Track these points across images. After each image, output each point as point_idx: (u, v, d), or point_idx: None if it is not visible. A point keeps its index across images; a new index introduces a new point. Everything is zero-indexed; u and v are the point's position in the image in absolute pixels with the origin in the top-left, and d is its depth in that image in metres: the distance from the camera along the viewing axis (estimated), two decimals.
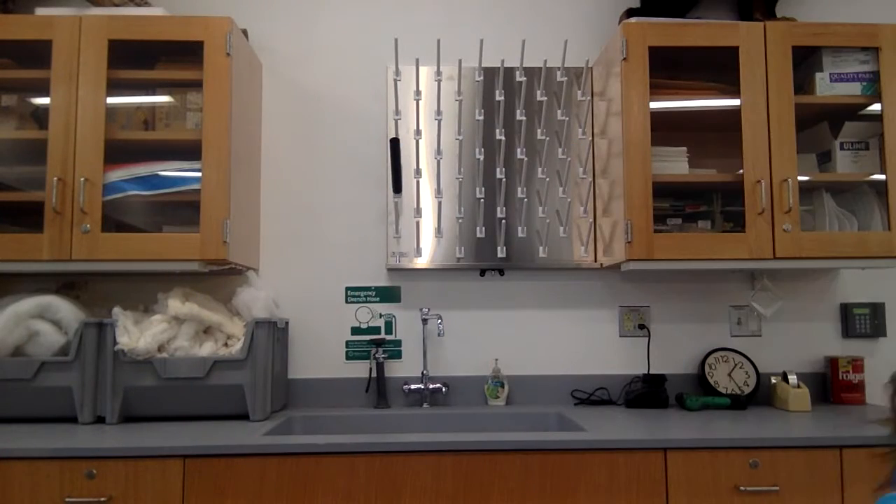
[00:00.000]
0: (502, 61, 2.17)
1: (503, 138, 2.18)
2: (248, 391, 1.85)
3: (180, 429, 1.73)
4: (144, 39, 1.89)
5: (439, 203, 2.14)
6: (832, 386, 2.16)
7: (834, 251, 1.89)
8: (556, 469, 1.57)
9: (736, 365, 2.14)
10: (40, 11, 1.93)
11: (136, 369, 1.82)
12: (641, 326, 2.22)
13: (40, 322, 1.83)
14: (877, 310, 2.24)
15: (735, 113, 1.93)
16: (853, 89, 1.97)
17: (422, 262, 2.15)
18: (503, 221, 2.17)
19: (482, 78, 2.20)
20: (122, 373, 1.81)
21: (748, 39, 1.92)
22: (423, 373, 2.13)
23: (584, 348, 2.22)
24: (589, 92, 2.22)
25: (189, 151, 1.91)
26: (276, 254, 2.21)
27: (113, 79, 1.89)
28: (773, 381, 2.11)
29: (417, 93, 2.19)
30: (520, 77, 2.21)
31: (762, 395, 2.17)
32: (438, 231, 2.15)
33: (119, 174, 1.89)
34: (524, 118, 2.19)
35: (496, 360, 2.18)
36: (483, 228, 2.16)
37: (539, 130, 2.20)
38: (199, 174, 1.88)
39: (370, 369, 2.17)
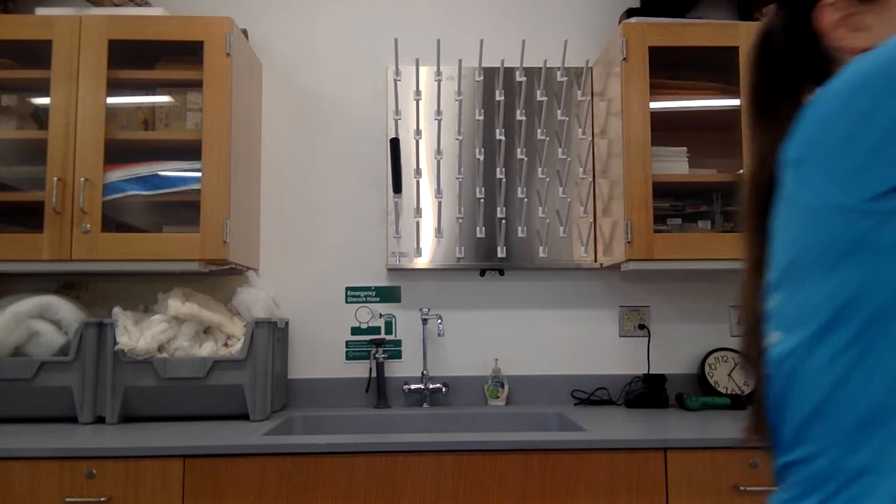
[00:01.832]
0: (502, 61, 2.17)
1: (503, 138, 2.19)
2: (248, 391, 1.85)
3: (180, 429, 1.73)
4: (144, 39, 1.89)
5: (439, 203, 2.14)
6: None
7: None
8: (556, 469, 1.57)
9: (736, 365, 2.14)
10: (40, 11, 1.93)
11: (136, 369, 1.82)
12: (641, 326, 2.22)
13: (40, 322, 1.83)
14: None
15: (735, 113, 1.93)
16: None
17: (422, 262, 2.15)
18: (503, 221, 2.17)
19: (482, 78, 2.21)
20: (122, 373, 1.81)
21: (748, 39, 1.92)
22: (423, 373, 2.13)
23: (584, 348, 2.22)
24: (589, 92, 2.22)
25: (189, 151, 1.91)
26: (276, 254, 2.21)
27: (113, 79, 1.89)
28: None
29: (417, 93, 2.19)
30: (520, 77, 2.21)
31: None
32: (438, 231, 2.15)
33: (119, 174, 1.89)
34: (524, 118, 2.19)
35: (496, 360, 2.18)
36: (483, 228, 2.16)
37: (539, 130, 2.20)
38: (199, 174, 1.88)
39: (370, 369, 2.17)
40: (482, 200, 2.17)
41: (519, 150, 2.18)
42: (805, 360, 0.59)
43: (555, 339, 2.22)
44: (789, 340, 0.60)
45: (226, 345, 1.92)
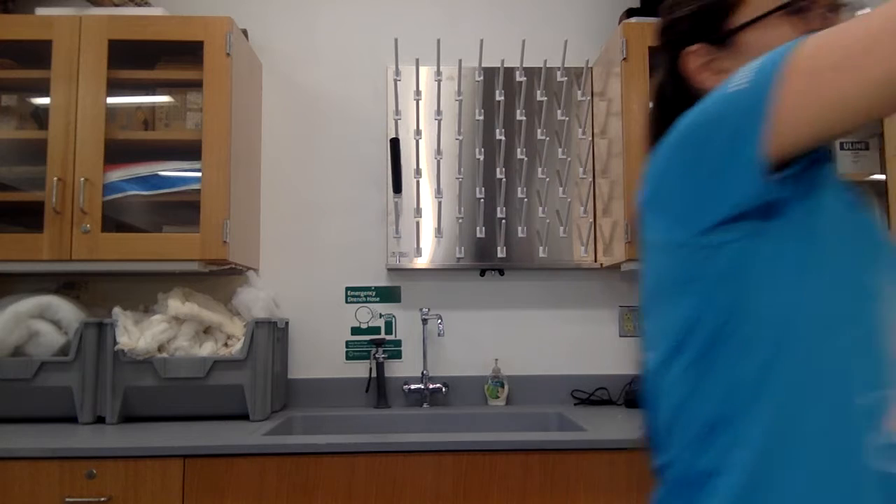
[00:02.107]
0: (502, 61, 2.17)
1: (503, 138, 2.18)
2: (248, 391, 1.85)
3: (180, 429, 1.73)
4: (144, 39, 1.89)
5: (439, 203, 2.14)
6: None
7: None
8: (556, 469, 1.57)
9: None
10: (40, 11, 1.93)
11: (136, 369, 1.81)
12: None
13: (40, 322, 1.83)
14: None
15: None
16: None
17: (422, 262, 2.15)
18: (503, 221, 2.17)
19: (482, 78, 2.20)
20: (122, 373, 1.81)
21: None
22: (423, 373, 2.13)
23: (584, 348, 2.22)
24: (589, 92, 2.22)
25: (189, 151, 1.91)
26: (276, 254, 2.21)
27: (113, 79, 1.89)
28: None
29: (417, 93, 2.19)
30: (520, 77, 2.21)
31: None
32: (438, 231, 2.15)
33: (119, 174, 1.89)
34: (524, 118, 2.19)
35: (496, 360, 2.18)
36: (483, 228, 2.16)
37: (539, 130, 2.20)
38: (199, 174, 1.88)
39: (370, 369, 2.17)
40: (482, 200, 2.17)
41: (519, 150, 2.18)
42: (663, 377, 0.67)
43: (555, 339, 2.22)
44: (653, 360, 0.69)
45: (226, 345, 1.92)
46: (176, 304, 1.85)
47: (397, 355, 2.19)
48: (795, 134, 0.57)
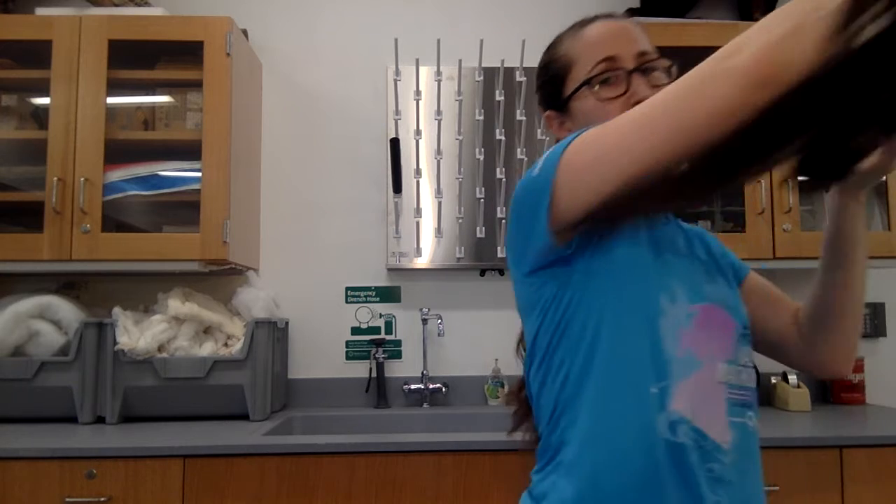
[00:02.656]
0: (502, 61, 2.17)
1: (503, 138, 2.18)
2: (248, 391, 1.84)
3: (180, 429, 1.73)
4: (144, 39, 1.89)
5: (439, 203, 2.14)
6: (832, 386, 2.16)
7: None
8: None
9: None
10: (40, 11, 1.93)
11: (136, 369, 1.81)
12: None
13: (40, 322, 1.83)
14: (877, 310, 2.25)
15: None
16: None
17: (422, 262, 2.15)
18: (503, 221, 2.17)
19: (482, 78, 2.20)
20: (122, 373, 1.81)
21: None
22: (423, 373, 2.13)
23: None
24: None
25: (189, 151, 1.91)
26: (276, 254, 2.21)
27: (113, 79, 1.89)
28: (773, 381, 2.10)
29: (417, 93, 2.19)
30: (520, 77, 2.20)
31: (762, 395, 2.16)
32: (438, 231, 2.15)
33: (119, 174, 1.89)
34: (524, 118, 2.19)
35: (496, 360, 2.18)
36: (483, 228, 2.16)
37: (539, 130, 2.20)
38: (199, 174, 1.88)
39: (370, 369, 2.17)
40: (482, 200, 2.17)
41: (519, 150, 2.18)
42: (528, 372, 0.89)
43: None
44: (525, 361, 0.91)
45: (226, 345, 1.92)
46: (176, 304, 1.85)
47: (397, 355, 2.19)
48: (568, 212, 0.75)
